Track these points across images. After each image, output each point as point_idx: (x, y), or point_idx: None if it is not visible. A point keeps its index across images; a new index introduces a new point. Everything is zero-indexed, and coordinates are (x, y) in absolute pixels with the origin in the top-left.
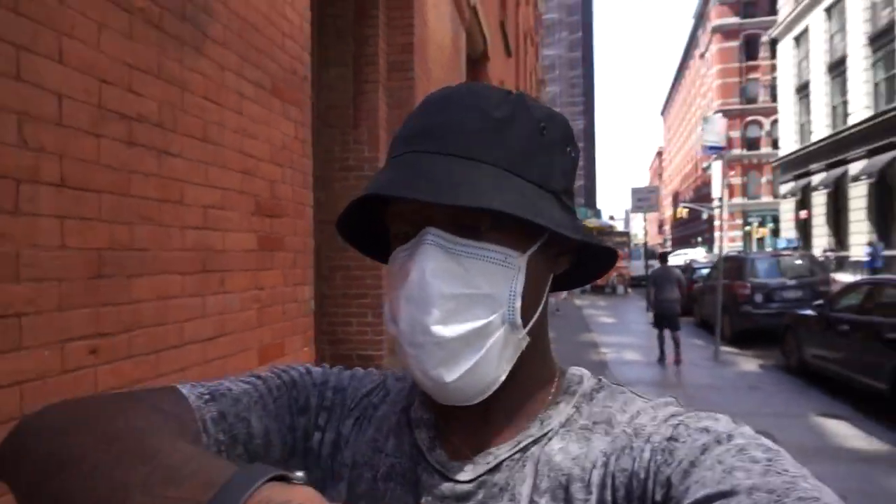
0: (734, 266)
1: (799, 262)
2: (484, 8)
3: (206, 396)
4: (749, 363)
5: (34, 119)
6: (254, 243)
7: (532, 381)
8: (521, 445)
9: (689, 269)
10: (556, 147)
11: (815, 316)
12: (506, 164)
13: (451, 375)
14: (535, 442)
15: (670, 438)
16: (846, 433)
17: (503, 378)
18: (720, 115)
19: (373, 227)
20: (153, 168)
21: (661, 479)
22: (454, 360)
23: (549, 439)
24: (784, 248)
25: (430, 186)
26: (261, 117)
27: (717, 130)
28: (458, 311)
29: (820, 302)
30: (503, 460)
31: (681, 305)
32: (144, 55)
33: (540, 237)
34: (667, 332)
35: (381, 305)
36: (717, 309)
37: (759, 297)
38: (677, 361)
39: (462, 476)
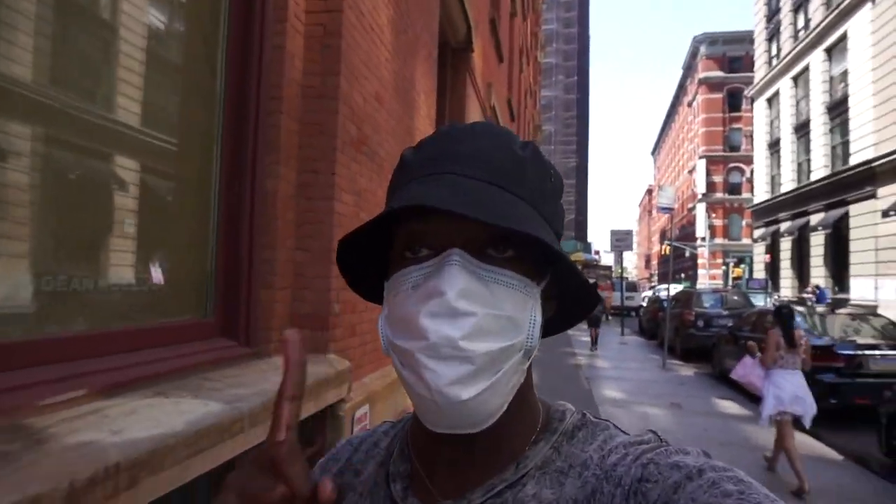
0: (685, 298)
1: (735, 297)
2: None
3: None
4: (687, 370)
5: None
6: None
7: (518, 416)
8: (495, 490)
9: (656, 300)
10: (558, 195)
11: (728, 335)
12: (529, 201)
13: (467, 393)
14: (509, 487)
15: (641, 479)
16: (729, 406)
17: (505, 408)
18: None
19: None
20: None
21: None
22: (473, 378)
23: (524, 484)
24: (753, 287)
25: (475, 206)
26: None
27: (669, 196)
28: (485, 330)
29: (731, 325)
30: None
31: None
32: None
33: (546, 276)
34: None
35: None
36: (666, 330)
37: (700, 323)
38: (594, 344)
39: None
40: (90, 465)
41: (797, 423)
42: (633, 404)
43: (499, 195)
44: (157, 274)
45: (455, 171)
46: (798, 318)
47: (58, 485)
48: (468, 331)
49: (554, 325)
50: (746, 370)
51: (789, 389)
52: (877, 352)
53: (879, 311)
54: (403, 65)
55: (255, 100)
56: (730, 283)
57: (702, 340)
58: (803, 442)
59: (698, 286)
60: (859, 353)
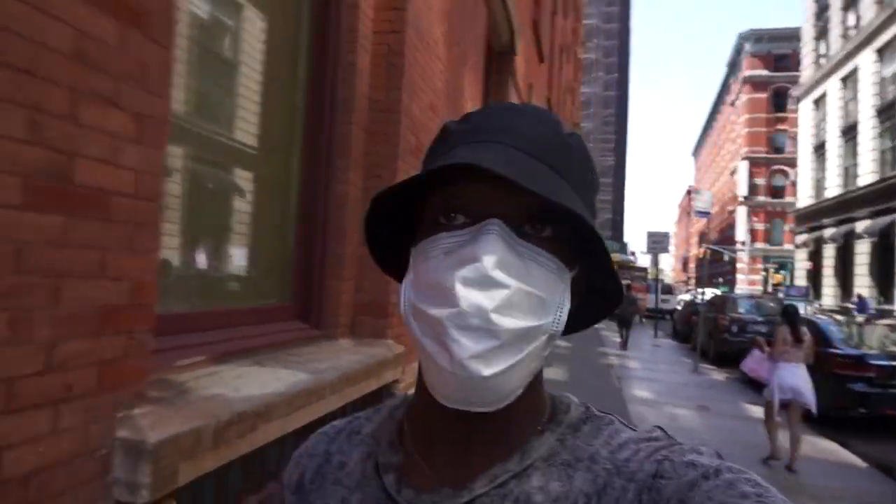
0: (720, 302)
1: (771, 303)
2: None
3: None
4: (718, 375)
5: None
6: None
7: (527, 404)
8: (499, 480)
9: (691, 303)
10: (596, 190)
11: (763, 341)
12: (572, 184)
13: (489, 369)
14: (513, 477)
15: (656, 476)
16: (757, 411)
17: (520, 392)
18: (710, 189)
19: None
20: None
21: None
22: (497, 355)
23: (529, 475)
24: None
25: (525, 176)
26: None
27: (705, 199)
28: (516, 305)
29: (764, 331)
30: (479, 496)
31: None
32: None
33: (576, 266)
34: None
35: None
36: (699, 334)
37: (735, 328)
38: (625, 346)
39: None
40: (226, 411)
41: (808, 417)
42: (662, 405)
43: (547, 171)
44: (246, 263)
45: (504, 141)
46: (835, 328)
47: (208, 422)
48: (500, 303)
49: (574, 320)
50: (755, 363)
51: (791, 381)
52: None
53: None
54: (454, 75)
55: (330, 111)
56: (769, 289)
57: (735, 345)
58: (830, 449)
59: (736, 291)
60: (892, 363)
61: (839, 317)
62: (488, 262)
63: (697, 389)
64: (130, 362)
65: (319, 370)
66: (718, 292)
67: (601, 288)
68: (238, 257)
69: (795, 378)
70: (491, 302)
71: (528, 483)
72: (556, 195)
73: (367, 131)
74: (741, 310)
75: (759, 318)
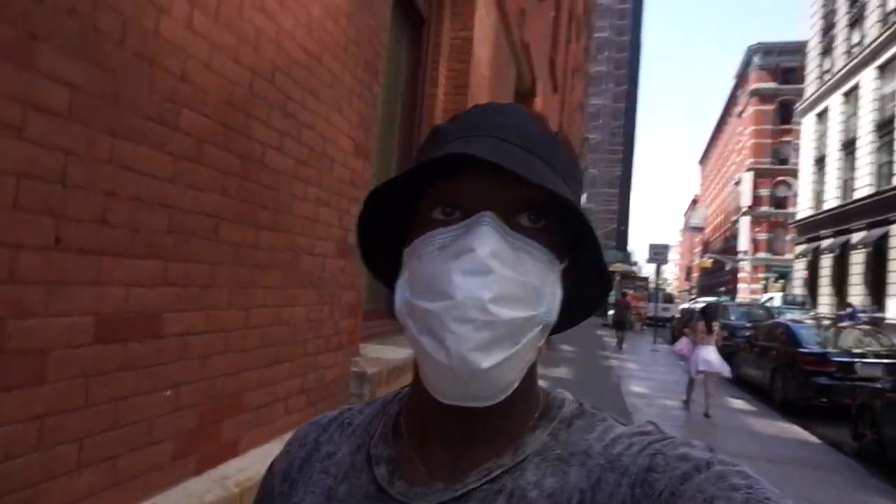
0: (712, 311)
1: (760, 311)
2: (535, 46)
3: None
4: None
5: None
6: None
7: (521, 399)
8: (493, 475)
9: (687, 311)
10: (581, 183)
11: (745, 344)
12: (561, 176)
13: (488, 361)
14: (506, 472)
15: (648, 469)
16: (737, 403)
17: (516, 384)
18: (705, 206)
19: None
20: None
21: None
22: (495, 346)
23: (523, 470)
24: (789, 304)
25: (519, 166)
26: None
27: (701, 216)
28: (512, 296)
29: (748, 335)
30: (472, 489)
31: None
32: None
33: (566, 259)
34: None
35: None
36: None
37: (724, 333)
38: (620, 346)
39: (428, 502)
40: (388, 365)
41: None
42: (655, 398)
43: (539, 163)
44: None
45: (495, 135)
46: (804, 331)
47: (384, 368)
48: (497, 293)
49: (565, 315)
50: (683, 346)
51: (704, 357)
52: (864, 359)
53: None
54: None
55: (418, 131)
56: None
57: (726, 349)
58: (793, 430)
59: (738, 300)
60: (850, 359)
61: (826, 321)
62: (483, 252)
63: (673, 371)
64: (356, 334)
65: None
66: (713, 301)
67: (590, 281)
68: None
69: (708, 355)
70: (488, 292)
71: (523, 478)
72: (549, 184)
73: None
74: (732, 317)
75: (748, 324)
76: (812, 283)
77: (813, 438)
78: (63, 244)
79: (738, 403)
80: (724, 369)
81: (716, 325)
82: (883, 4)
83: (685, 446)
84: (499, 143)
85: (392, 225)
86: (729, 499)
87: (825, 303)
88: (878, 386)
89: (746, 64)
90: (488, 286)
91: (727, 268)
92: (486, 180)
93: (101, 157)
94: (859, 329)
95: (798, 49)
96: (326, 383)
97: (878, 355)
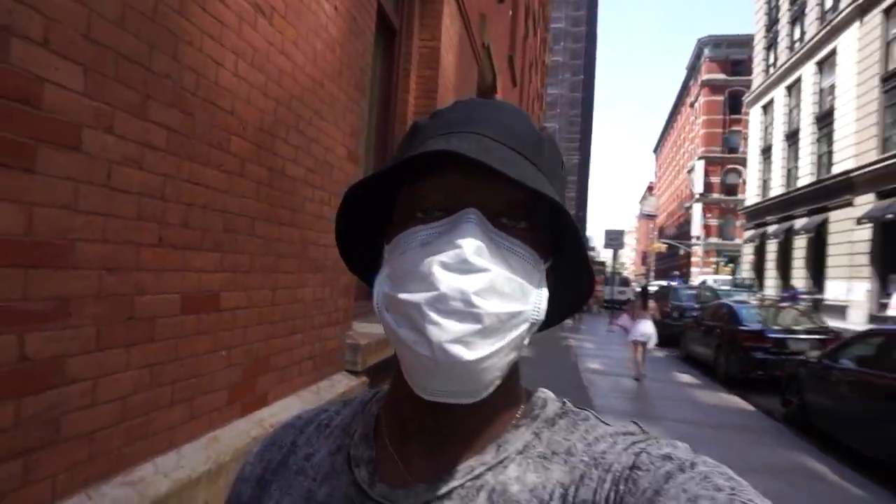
0: (664, 292)
1: (707, 293)
2: (495, 45)
3: None
4: (659, 353)
5: None
6: None
7: (503, 397)
8: (475, 473)
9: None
10: (565, 183)
11: (692, 323)
12: (546, 174)
13: (470, 354)
14: (489, 469)
15: (633, 467)
16: (684, 377)
17: (499, 382)
18: (655, 195)
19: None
20: None
21: None
22: (479, 339)
23: (505, 467)
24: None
25: (503, 164)
26: None
27: (652, 204)
28: (498, 290)
29: (696, 315)
30: (454, 488)
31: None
32: None
33: (549, 260)
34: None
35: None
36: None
37: (675, 314)
38: (575, 325)
39: (410, 503)
40: (376, 338)
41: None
42: (609, 375)
43: (522, 161)
44: None
45: (477, 131)
46: (745, 310)
47: (372, 340)
48: (482, 286)
49: (548, 313)
50: (622, 320)
51: (641, 329)
52: (795, 335)
53: (849, 311)
54: None
55: (391, 132)
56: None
57: (676, 329)
58: (732, 400)
59: (691, 282)
60: (784, 336)
61: (768, 302)
62: (468, 247)
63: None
64: (349, 312)
65: None
66: (665, 284)
67: (572, 280)
68: None
69: (645, 328)
70: (473, 286)
71: (504, 474)
72: (534, 183)
73: None
74: (682, 299)
75: (696, 306)
76: (759, 266)
77: (749, 407)
78: (163, 242)
79: (686, 378)
80: (654, 338)
81: (652, 303)
82: (821, 2)
83: (669, 446)
84: (481, 140)
85: (371, 220)
86: (713, 498)
87: (771, 285)
88: (803, 358)
89: (698, 55)
90: (473, 280)
91: (681, 252)
92: (469, 178)
93: (183, 177)
94: (796, 309)
95: (746, 42)
96: (328, 352)
97: (808, 331)
